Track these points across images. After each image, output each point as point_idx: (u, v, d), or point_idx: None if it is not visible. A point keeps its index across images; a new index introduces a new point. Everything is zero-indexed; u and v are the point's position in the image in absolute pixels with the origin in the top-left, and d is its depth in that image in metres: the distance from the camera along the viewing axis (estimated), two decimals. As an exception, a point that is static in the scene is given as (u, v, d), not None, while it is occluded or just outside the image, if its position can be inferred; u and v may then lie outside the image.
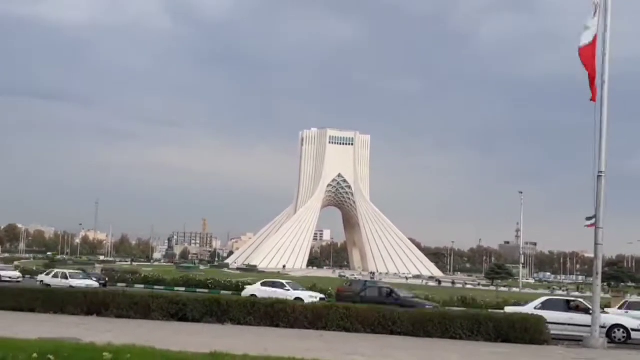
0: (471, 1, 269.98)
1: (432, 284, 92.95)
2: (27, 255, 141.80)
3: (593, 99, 20.71)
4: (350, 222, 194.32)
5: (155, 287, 45.31)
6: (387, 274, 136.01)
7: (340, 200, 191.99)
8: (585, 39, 20.82)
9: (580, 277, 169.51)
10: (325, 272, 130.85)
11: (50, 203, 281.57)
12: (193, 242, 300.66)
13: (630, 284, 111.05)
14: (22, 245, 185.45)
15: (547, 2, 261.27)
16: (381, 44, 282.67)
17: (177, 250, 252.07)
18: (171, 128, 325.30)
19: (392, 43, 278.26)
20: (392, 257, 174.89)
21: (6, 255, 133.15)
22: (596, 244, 20.79)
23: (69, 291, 27.23)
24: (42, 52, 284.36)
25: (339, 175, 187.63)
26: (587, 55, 20.76)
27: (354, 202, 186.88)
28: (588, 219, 21.02)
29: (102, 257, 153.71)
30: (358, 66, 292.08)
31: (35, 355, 10.37)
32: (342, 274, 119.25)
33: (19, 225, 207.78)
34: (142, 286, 45.98)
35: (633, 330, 22.03)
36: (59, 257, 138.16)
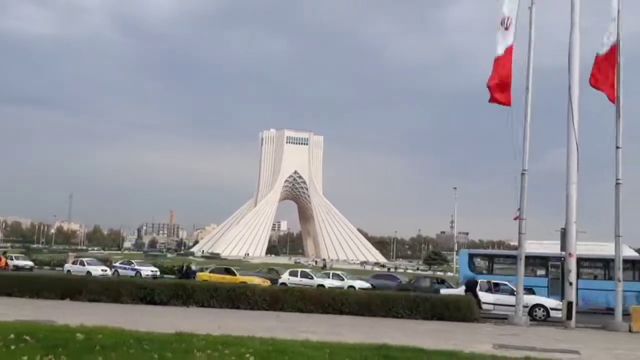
0: (381, 22, 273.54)
1: (377, 268, 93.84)
2: (4, 245, 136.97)
3: (508, 103, 21.06)
4: (305, 214, 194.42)
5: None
6: (337, 260, 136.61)
7: (296, 194, 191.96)
8: (500, 50, 21.26)
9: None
10: (282, 259, 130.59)
11: (27, 196, 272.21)
12: (161, 232, 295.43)
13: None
14: (0, 235, 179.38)
15: (452, 23, 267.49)
16: (311, 56, 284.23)
17: (146, 239, 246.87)
18: (135, 129, 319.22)
19: (320, 56, 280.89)
20: (342, 245, 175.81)
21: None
22: (520, 233, 21.35)
23: (44, 276, 26.52)
24: (14, 61, 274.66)
25: (295, 172, 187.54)
26: (502, 64, 21.17)
27: (309, 196, 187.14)
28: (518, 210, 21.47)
29: (79, 246, 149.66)
30: (297, 74, 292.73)
31: (12, 336, 10.08)
32: (297, 261, 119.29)
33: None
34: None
35: (552, 309, 22.73)
36: (34, 245, 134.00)
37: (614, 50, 20.65)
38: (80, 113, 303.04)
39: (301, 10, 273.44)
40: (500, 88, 20.92)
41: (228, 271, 35.48)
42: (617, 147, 20.67)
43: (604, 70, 20.75)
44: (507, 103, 20.98)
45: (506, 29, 21.20)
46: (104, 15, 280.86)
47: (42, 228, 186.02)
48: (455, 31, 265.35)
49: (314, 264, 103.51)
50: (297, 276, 35.83)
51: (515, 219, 21.36)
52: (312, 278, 35.36)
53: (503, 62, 21.01)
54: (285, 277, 36.17)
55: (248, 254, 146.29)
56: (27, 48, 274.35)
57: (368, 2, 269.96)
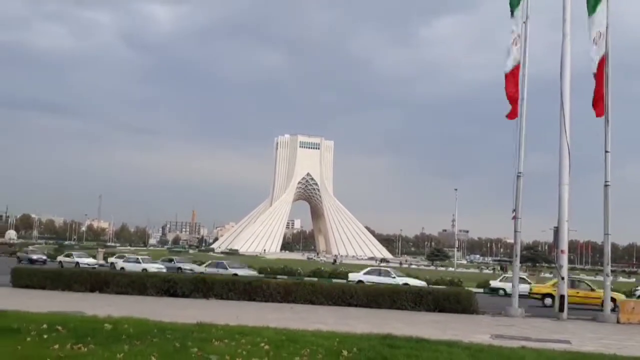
0: (368, 34, 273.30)
1: (383, 264, 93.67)
2: (40, 241, 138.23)
3: (510, 116, 20.96)
4: (316, 213, 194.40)
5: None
6: (346, 256, 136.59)
7: (308, 195, 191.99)
8: (509, 65, 21.17)
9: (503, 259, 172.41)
10: (296, 255, 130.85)
11: (61, 196, 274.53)
12: (184, 229, 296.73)
13: (544, 264, 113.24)
14: (35, 233, 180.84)
15: (426, 37, 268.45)
16: (302, 66, 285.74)
17: (170, 236, 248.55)
18: (156, 136, 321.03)
19: (310, 66, 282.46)
20: (351, 242, 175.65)
21: (20, 240, 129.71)
22: (515, 231, 21.23)
23: (75, 271, 26.68)
24: (44, 73, 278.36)
25: (308, 174, 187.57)
26: (511, 79, 21.08)
27: (320, 197, 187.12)
28: (513, 210, 21.37)
29: (108, 243, 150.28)
30: (292, 83, 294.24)
31: (45, 326, 10.15)
32: (310, 257, 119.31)
33: (33, 215, 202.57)
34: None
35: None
36: (66, 242, 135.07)
37: (602, 63, 20.42)
38: (105, 121, 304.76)
39: (295, 25, 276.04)
40: (512, 102, 20.87)
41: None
42: (606, 152, 20.48)
43: (597, 84, 20.44)
44: (514, 116, 20.94)
45: (515, 45, 21.11)
46: (116, 30, 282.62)
47: (74, 226, 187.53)
48: (438, 45, 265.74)
49: (325, 259, 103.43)
50: (377, 275, 32.36)
51: (512, 218, 21.24)
52: (394, 277, 31.56)
53: (513, 78, 20.91)
54: (360, 276, 32.28)
55: (265, 250, 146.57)
56: (53, 62, 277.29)
57: (355, 18, 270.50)
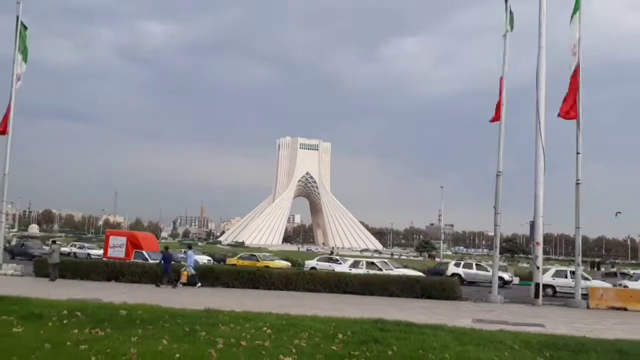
0: (344, 51, 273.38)
1: (376, 254, 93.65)
2: (59, 234, 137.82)
3: (493, 120, 21.09)
4: (315, 209, 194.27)
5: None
6: (342, 248, 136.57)
7: (307, 192, 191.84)
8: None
9: (484, 250, 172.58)
10: (296, 247, 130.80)
11: (79, 192, 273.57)
12: (193, 224, 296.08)
13: (521, 255, 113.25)
14: (56, 226, 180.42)
15: (390, 54, 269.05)
16: (291, 78, 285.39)
17: (180, 230, 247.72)
18: (163, 140, 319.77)
19: (297, 79, 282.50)
20: (347, 235, 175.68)
21: (42, 233, 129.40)
22: (495, 225, 21.29)
23: (93, 261, 26.62)
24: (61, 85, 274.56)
25: (307, 173, 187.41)
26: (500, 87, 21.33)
27: (318, 194, 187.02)
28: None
29: None
30: (284, 93, 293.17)
31: (65, 312, 10.17)
32: (309, 249, 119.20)
33: (53, 210, 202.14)
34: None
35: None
36: (85, 235, 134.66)
37: (576, 72, 20.46)
38: (121, 127, 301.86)
39: (278, 44, 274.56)
40: (498, 107, 21.03)
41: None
42: (578, 153, 20.55)
43: (570, 93, 20.48)
44: (497, 119, 21.10)
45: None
46: (122, 48, 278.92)
47: (91, 220, 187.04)
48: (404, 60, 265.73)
49: (322, 250, 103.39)
50: (471, 268, 32.13)
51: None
52: (487, 270, 30.32)
53: (499, 86, 21.15)
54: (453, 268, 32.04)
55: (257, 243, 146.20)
56: (68, 76, 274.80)
57: (333, 38, 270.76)
